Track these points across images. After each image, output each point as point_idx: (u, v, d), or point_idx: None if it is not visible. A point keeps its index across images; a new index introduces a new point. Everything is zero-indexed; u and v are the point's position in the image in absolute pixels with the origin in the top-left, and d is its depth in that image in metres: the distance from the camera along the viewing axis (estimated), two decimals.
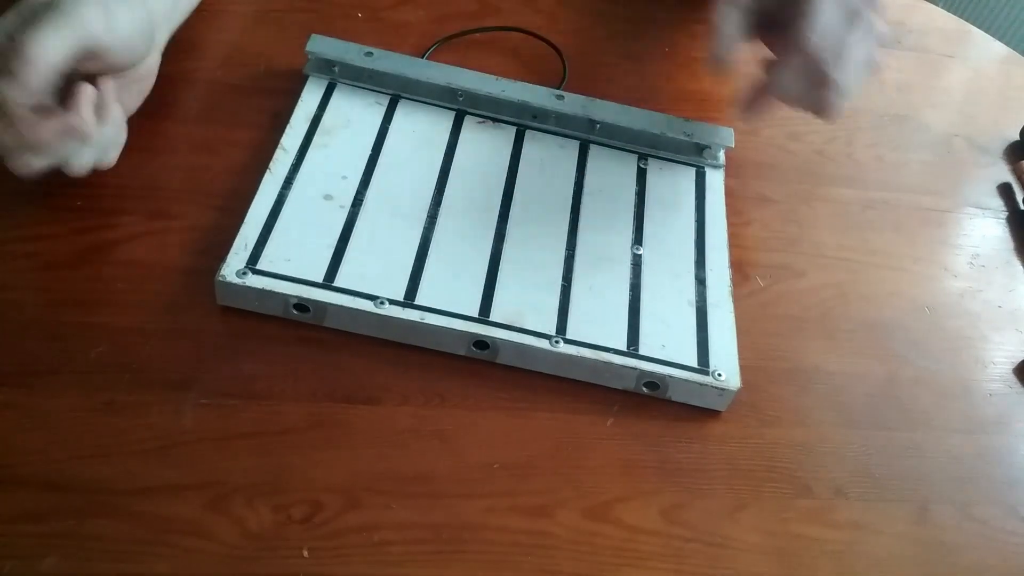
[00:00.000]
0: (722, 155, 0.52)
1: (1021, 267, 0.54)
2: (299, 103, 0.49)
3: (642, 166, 0.51)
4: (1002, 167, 0.60)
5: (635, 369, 0.41)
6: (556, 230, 0.46)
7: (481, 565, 0.36)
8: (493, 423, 0.40)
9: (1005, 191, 0.59)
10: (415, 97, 0.51)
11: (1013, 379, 0.48)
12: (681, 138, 0.51)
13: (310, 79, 0.51)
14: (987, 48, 0.72)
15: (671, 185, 0.51)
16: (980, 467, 0.43)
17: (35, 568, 0.33)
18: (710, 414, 0.42)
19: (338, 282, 0.41)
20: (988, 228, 0.56)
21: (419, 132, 0.49)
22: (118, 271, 0.42)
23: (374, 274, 0.42)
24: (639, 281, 0.45)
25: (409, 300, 0.41)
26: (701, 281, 0.46)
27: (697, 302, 0.45)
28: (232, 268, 0.40)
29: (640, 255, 0.46)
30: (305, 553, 0.35)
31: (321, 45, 0.50)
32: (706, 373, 0.41)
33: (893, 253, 0.53)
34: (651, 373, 0.41)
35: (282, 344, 0.41)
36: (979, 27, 0.73)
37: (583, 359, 0.41)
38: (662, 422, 0.42)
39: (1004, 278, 0.53)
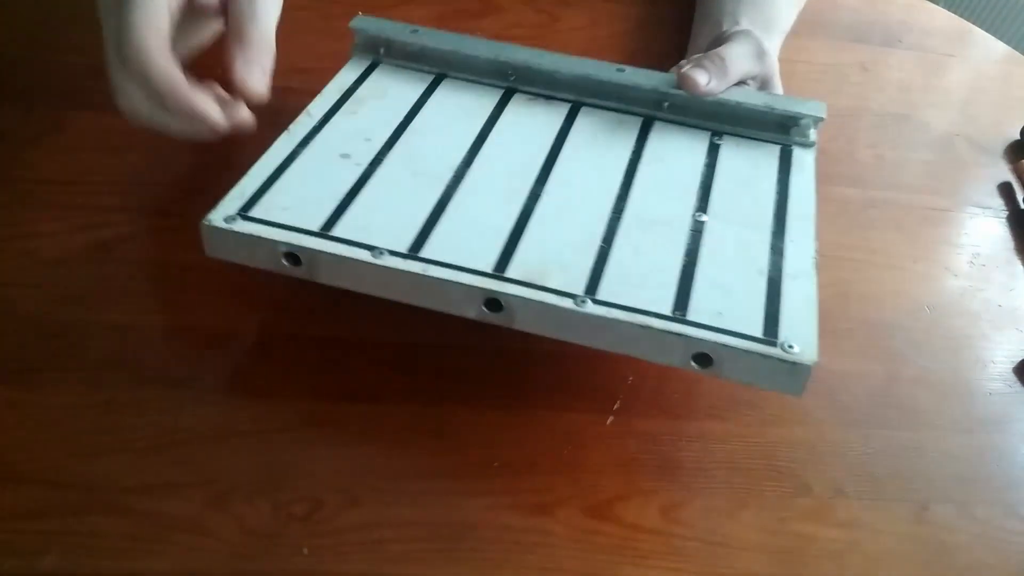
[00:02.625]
0: (813, 132, 0.47)
1: (1021, 266, 0.54)
2: (335, 77, 0.46)
3: (715, 141, 0.46)
4: (1003, 166, 0.60)
5: (681, 336, 0.34)
6: (603, 192, 0.41)
7: (481, 563, 0.36)
8: (493, 421, 0.40)
9: (1006, 190, 0.59)
10: (462, 75, 0.48)
11: (1013, 378, 0.48)
12: (762, 109, 0.46)
13: (352, 59, 0.48)
14: (988, 47, 0.72)
15: (749, 160, 0.45)
16: (980, 466, 0.43)
17: (35, 565, 0.33)
18: (710, 413, 0.42)
19: (336, 232, 0.37)
20: (989, 227, 0.56)
21: (460, 105, 0.46)
22: (117, 269, 0.42)
23: (378, 226, 0.37)
24: (697, 247, 0.38)
25: (414, 252, 0.36)
26: (778, 251, 0.39)
27: (770, 271, 0.38)
28: (221, 214, 0.37)
29: (703, 222, 0.40)
30: (305, 551, 0.35)
31: (366, 23, 0.48)
32: (773, 344, 0.34)
33: (893, 252, 0.53)
34: (701, 341, 0.34)
35: (282, 342, 0.41)
36: (980, 27, 0.73)
37: (616, 322, 0.34)
38: (662, 420, 0.42)
39: (1004, 277, 0.53)
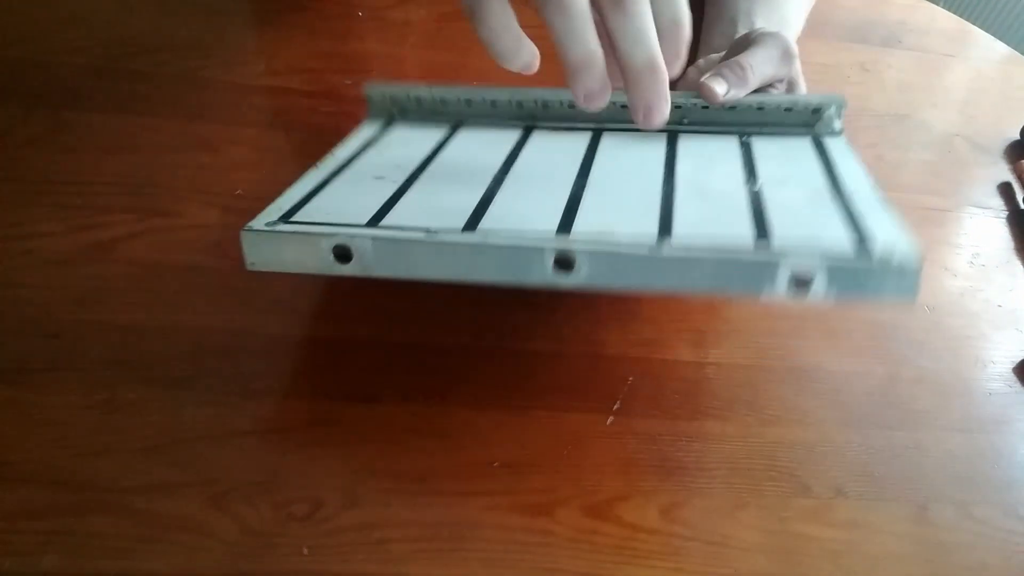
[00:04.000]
0: (839, 121, 0.46)
1: (1021, 266, 0.54)
2: (354, 131, 0.47)
3: (744, 140, 0.45)
4: (1002, 166, 0.60)
5: (777, 257, 0.32)
6: (648, 178, 0.40)
7: (481, 563, 0.36)
8: (493, 421, 0.40)
9: (1005, 190, 0.59)
10: (481, 120, 0.48)
11: (1013, 378, 0.48)
12: (785, 107, 0.46)
13: (367, 120, 0.49)
14: (988, 48, 0.72)
15: (785, 147, 0.44)
16: (980, 466, 0.43)
17: (35, 565, 0.33)
18: (710, 414, 0.42)
19: (386, 223, 0.35)
20: (988, 227, 0.56)
21: (485, 138, 0.46)
22: (118, 269, 0.42)
23: (427, 216, 0.36)
24: (761, 201, 0.37)
25: (470, 229, 0.35)
26: (843, 197, 0.38)
27: (843, 209, 0.36)
28: (262, 220, 0.35)
29: (758, 191, 0.38)
30: (305, 551, 0.35)
31: (379, 89, 0.49)
32: (872, 252, 0.32)
33: None
34: (800, 259, 0.31)
35: (282, 342, 0.41)
36: (979, 27, 0.73)
37: (701, 260, 0.32)
38: (662, 420, 0.42)
39: (1004, 277, 0.53)
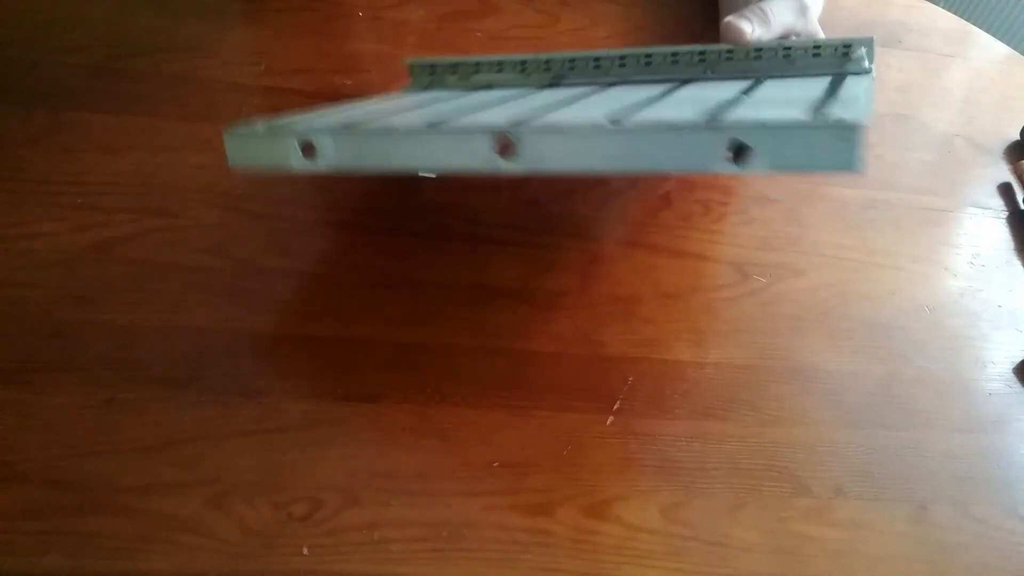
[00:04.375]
0: (869, 63, 0.44)
1: (1021, 267, 0.54)
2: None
3: (761, 79, 0.44)
4: (1002, 167, 0.60)
5: (716, 129, 0.30)
6: (638, 96, 0.40)
7: (481, 563, 0.36)
8: (493, 421, 0.40)
9: (1005, 191, 0.59)
10: (508, 84, 0.50)
11: (1013, 378, 0.48)
12: (811, 48, 0.45)
13: (403, 89, 0.51)
14: (988, 48, 0.72)
15: (798, 82, 0.43)
16: (980, 466, 0.43)
17: (35, 565, 0.33)
18: (710, 413, 0.42)
19: (356, 127, 0.36)
20: (988, 228, 0.56)
21: (502, 93, 0.47)
22: (118, 268, 0.42)
23: (396, 123, 0.36)
24: (733, 105, 0.36)
25: (431, 127, 0.35)
26: (827, 102, 0.36)
27: (822, 106, 0.34)
28: (246, 124, 0.38)
29: (736, 99, 0.38)
30: (305, 551, 0.35)
31: (418, 60, 0.52)
32: (816, 118, 0.30)
33: (893, 252, 0.53)
34: (737, 127, 0.30)
35: (282, 342, 0.41)
36: (979, 27, 0.73)
37: (642, 133, 0.31)
38: (662, 420, 0.42)
39: (1004, 277, 0.53)
